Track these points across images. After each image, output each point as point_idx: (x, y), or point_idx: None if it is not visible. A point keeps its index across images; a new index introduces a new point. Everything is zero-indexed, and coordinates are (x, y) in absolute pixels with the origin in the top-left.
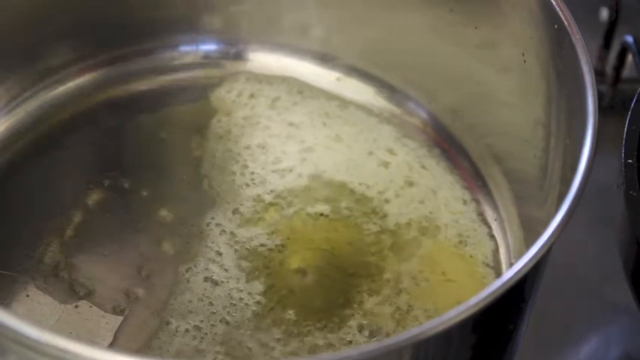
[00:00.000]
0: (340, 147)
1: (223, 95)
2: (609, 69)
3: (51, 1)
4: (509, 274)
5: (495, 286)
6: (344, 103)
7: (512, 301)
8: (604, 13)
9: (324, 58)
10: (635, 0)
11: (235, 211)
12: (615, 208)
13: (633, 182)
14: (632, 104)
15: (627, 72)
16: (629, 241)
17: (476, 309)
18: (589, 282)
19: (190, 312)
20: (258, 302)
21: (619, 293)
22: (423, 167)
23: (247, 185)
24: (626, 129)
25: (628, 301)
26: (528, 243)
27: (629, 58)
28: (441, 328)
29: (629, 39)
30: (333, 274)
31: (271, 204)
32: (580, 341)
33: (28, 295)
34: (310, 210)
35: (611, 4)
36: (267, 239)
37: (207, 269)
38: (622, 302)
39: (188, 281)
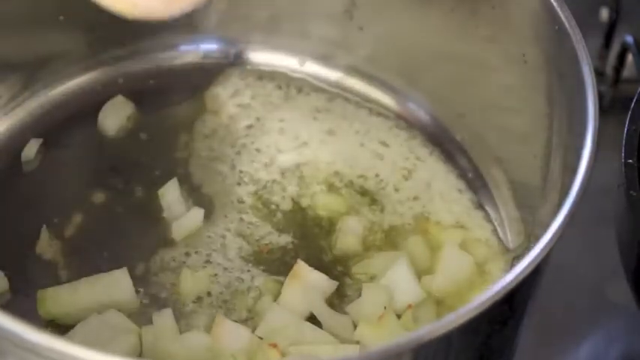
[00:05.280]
0: (334, 140)
1: (221, 94)
2: (609, 69)
3: (51, 1)
4: (509, 277)
5: (495, 289)
6: (331, 96)
7: (512, 302)
8: (604, 13)
9: (324, 58)
10: (635, 0)
11: (237, 210)
12: (615, 208)
13: (633, 182)
14: (632, 104)
15: (627, 72)
16: (629, 241)
17: (475, 313)
18: (589, 282)
19: (192, 312)
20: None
21: (619, 293)
22: (419, 159)
23: (246, 182)
24: (626, 129)
25: (628, 301)
26: (528, 242)
27: (629, 58)
28: (440, 332)
29: (629, 39)
30: (334, 270)
31: (270, 202)
32: (580, 341)
33: (28, 295)
34: (309, 206)
35: (611, 4)
36: (269, 235)
37: (209, 267)
38: (622, 302)
39: (188, 281)
